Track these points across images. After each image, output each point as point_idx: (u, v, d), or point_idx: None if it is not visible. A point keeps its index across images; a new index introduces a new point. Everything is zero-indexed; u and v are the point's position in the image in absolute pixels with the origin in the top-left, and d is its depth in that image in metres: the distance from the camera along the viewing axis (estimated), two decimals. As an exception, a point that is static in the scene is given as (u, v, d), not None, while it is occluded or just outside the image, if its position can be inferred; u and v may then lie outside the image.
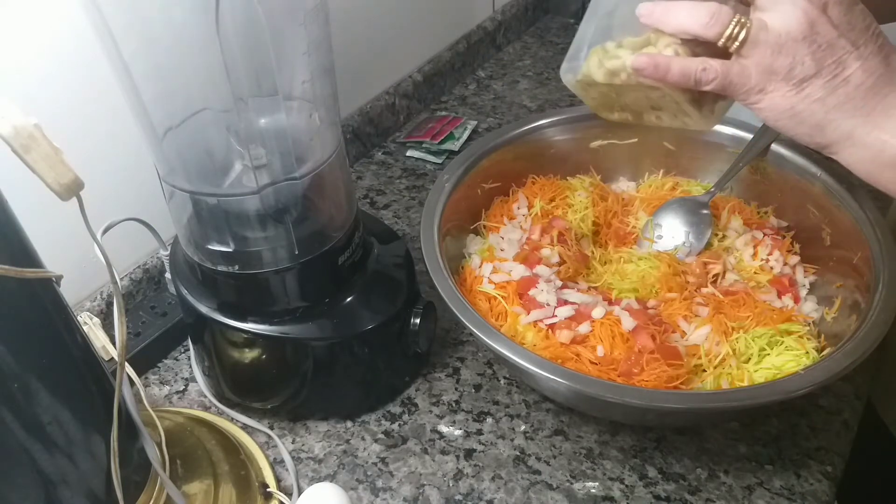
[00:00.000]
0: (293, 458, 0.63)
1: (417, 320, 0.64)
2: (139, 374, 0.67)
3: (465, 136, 1.02)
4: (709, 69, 0.45)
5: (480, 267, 0.70)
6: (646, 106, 0.53)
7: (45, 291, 0.43)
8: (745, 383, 0.60)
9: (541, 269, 0.68)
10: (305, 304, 0.61)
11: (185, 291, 0.61)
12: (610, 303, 0.67)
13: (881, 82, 0.43)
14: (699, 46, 0.47)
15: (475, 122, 1.06)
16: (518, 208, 0.77)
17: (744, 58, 0.45)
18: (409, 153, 1.01)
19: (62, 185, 0.38)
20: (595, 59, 0.51)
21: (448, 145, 1.00)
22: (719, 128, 0.75)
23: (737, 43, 0.44)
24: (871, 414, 0.79)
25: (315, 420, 0.66)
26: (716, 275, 0.70)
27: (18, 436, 0.42)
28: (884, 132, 0.43)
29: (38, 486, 0.44)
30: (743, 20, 0.44)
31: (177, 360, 0.73)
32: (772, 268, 0.70)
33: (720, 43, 0.45)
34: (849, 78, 0.43)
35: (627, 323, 0.62)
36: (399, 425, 0.66)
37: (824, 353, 0.61)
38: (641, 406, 0.54)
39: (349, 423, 0.66)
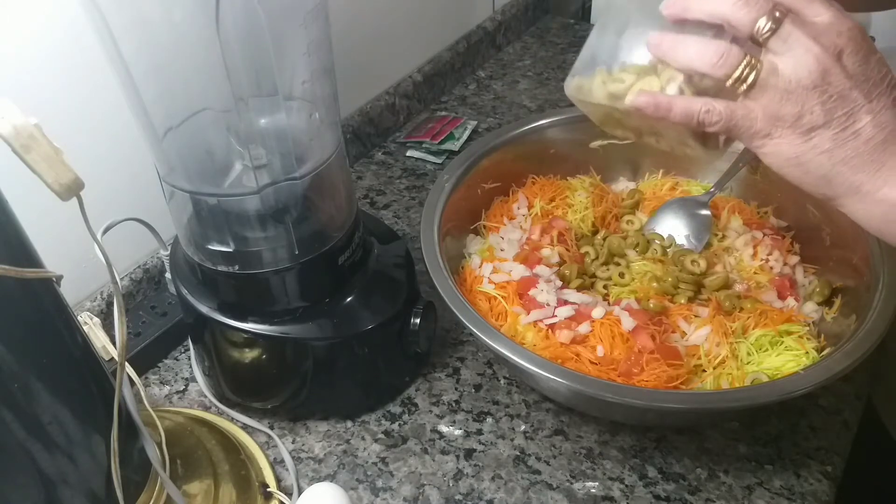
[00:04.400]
0: (293, 457, 0.63)
1: (417, 320, 0.64)
2: (139, 374, 0.67)
3: (465, 136, 1.02)
4: (712, 111, 0.43)
5: (480, 267, 0.70)
6: (648, 130, 0.52)
7: (46, 291, 0.43)
8: (746, 383, 0.60)
9: (541, 270, 0.68)
10: (305, 304, 0.61)
11: (185, 291, 0.61)
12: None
13: (892, 137, 0.41)
14: (706, 80, 0.45)
15: (475, 122, 1.06)
16: (518, 208, 0.77)
17: (751, 100, 0.43)
18: (409, 153, 1.01)
19: (62, 185, 0.38)
20: (599, 79, 0.50)
21: (448, 145, 1.00)
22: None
23: (745, 85, 0.42)
24: (872, 416, 0.79)
25: (315, 420, 0.66)
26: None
27: (18, 435, 0.42)
28: (894, 189, 0.42)
29: (39, 486, 0.44)
30: (753, 62, 0.42)
31: (177, 360, 0.73)
32: (772, 268, 0.70)
33: (728, 84, 0.43)
34: (859, 131, 0.41)
35: (627, 323, 0.62)
36: (399, 425, 0.66)
37: (824, 353, 0.61)
38: (641, 406, 0.54)
39: (349, 423, 0.66)
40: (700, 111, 0.43)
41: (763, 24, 0.41)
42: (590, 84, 0.51)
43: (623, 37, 0.49)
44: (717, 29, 0.44)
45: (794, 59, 0.41)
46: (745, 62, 0.42)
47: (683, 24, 0.45)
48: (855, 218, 0.44)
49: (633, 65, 0.48)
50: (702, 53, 0.43)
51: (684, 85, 0.46)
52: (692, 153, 0.50)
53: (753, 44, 0.42)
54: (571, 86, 0.52)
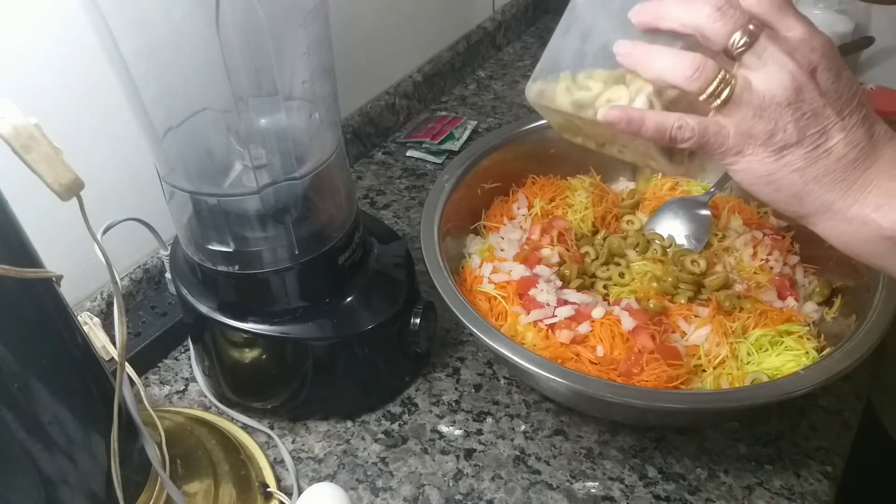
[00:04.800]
0: (293, 457, 0.63)
1: (417, 320, 0.64)
2: (139, 374, 0.67)
3: (465, 136, 1.02)
4: (684, 127, 0.42)
5: (480, 267, 0.70)
6: (610, 140, 0.50)
7: (46, 291, 0.43)
8: (746, 383, 0.60)
9: (541, 270, 0.68)
10: (305, 304, 0.61)
11: (185, 291, 0.61)
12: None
13: (863, 155, 0.41)
14: (675, 92, 0.44)
15: (475, 122, 1.06)
16: (518, 208, 0.77)
17: (723, 117, 0.42)
18: (409, 153, 1.01)
19: (62, 185, 0.38)
20: (563, 86, 0.48)
21: (448, 145, 1.00)
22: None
23: (719, 101, 0.41)
24: (872, 416, 0.79)
25: (315, 420, 0.66)
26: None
27: (18, 436, 0.42)
28: (865, 207, 0.41)
29: (39, 486, 0.44)
30: (728, 77, 0.41)
31: (177, 359, 0.73)
32: (772, 268, 0.70)
33: (701, 98, 0.42)
34: (831, 149, 0.41)
35: (627, 323, 0.62)
36: (399, 425, 0.66)
37: (824, 353, 0.61)
38: (641, 406, 0.54)
39: (349, 423, 0.66)
40: (672, 127, 0.42)
41: (738, 38, 0.40)
42: (553, 90, 0.48)
43: (588, 42, 0.47)
44: (687, 40, 0.42)
45: (768, 75, 0.40)
46: (719, 77, 0.41)
47: (653, 33, 0.43)
48: (825, 236, 0.44)
49: (599, 71, 0.46)
50: (675, 65, 0.42)
51: (653, 97, 0.44)
52: (656, 166, 0.49)
53: (726, 57, 0.41)
54: (533, 90, 0.50)
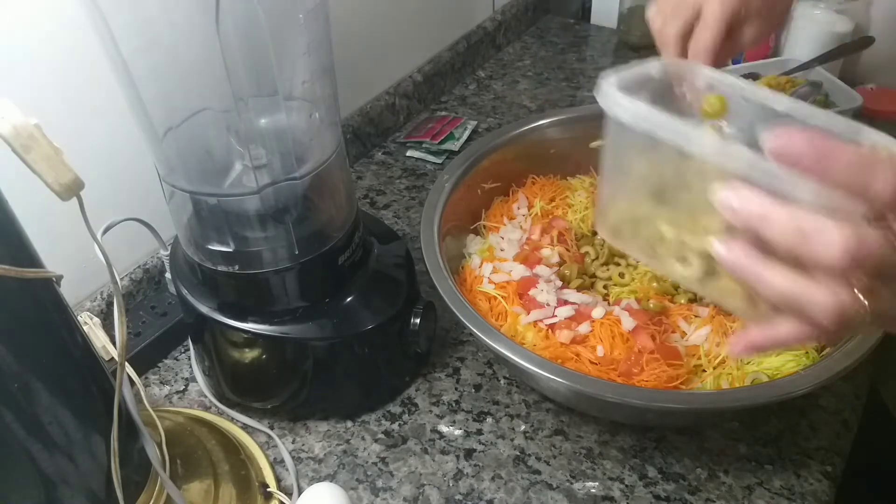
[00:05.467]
0: (293, 457, 0.63)
1: (417, 320, 0.64)
2: (139, 374, 0.67)
3: (465, 136, 1.02)
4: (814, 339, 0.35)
5: (480, 267, 0.70)
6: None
7: (46, 291, 0.43)
8: (746, 383, 0.60)
9: (541, 269, 0.68)
10: (305, 304, 0.61)
11: (185, 291, 0.61)
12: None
13: None
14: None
15: (475, 122, 1.06)
16: (518, 208, 0.77)
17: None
18: (409, 153, 1.01)
19: (62, 185, 0.38)
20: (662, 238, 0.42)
21: (448, 145, 1.00)
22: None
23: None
24: (871, 414, 0.78)
25: (315, 420, 0.66)
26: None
27: (18, 435, 0.42)
28: None
29: (39, 486, 0.44)
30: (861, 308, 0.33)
31: (177, 359, 0.73)
32: (772, 268, 0.70)
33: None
34: None
35: (627, 323, 0.62)
36: (399, 425, 0.66)
37: (824, 353, 0.61)
38: (641, 406, 0.54)
39: (349, 423, 0.66)
40: (805, 338, 0.36)
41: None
42: (637, 236, 0.43)
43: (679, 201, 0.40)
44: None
45: None
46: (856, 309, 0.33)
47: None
48: None
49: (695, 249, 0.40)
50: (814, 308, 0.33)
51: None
52: (729, 308, 0.43)
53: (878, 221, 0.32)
54: (606, 230, 0.45)
